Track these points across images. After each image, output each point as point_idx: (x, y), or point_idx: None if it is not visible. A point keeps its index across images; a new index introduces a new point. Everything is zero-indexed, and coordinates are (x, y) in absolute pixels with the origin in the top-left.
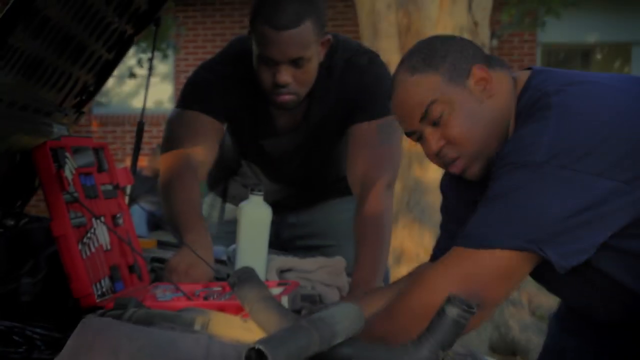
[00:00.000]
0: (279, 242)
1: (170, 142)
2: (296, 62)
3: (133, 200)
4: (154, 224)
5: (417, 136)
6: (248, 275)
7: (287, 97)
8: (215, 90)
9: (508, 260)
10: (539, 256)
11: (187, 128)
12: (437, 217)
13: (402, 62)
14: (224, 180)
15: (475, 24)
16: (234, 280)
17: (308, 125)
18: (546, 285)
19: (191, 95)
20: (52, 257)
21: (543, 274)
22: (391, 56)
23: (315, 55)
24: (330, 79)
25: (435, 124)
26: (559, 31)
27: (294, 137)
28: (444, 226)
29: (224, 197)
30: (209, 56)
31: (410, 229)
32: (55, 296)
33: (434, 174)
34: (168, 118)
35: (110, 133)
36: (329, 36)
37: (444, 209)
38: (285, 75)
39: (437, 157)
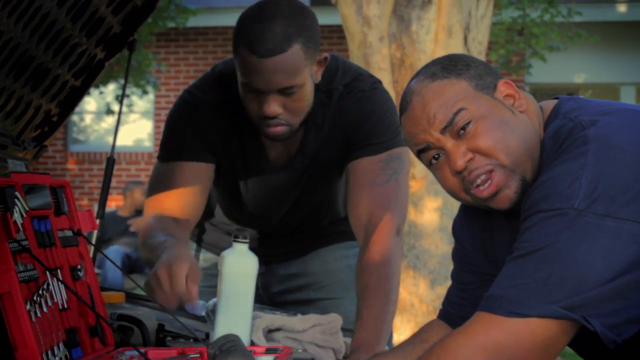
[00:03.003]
0: (268, 296)
1: (151, 203)
2: (285, 91)
3: (106, 242)
4: (130, 266)
5: (434, 153)
6: (231, 346)
7: (278, 129)
8: (194, 127)
9: (545, 330)
10: (581, 325)
11: (167, 183)
12: (433, 264)
13: (418, 74)
14: (199, 223)
15: None
16: (214, 351)
17: (304, 158)
18: None
19: (169, 144)
20: None
21: (587, 347)
22: None
23: (309, 80)
24: (329, 105)
25: (459, 135)
26: (546, 72)
27: (289, 172)
28: (455, 276)
29: (199, 243)
30: None
31: (404, 276)
32: None
33: (429, 216)
34: (152, 172)
35: (87, 171)
36: (326, 54)
37: (457, 256)
38: (274, 106)
39: (460, 177)
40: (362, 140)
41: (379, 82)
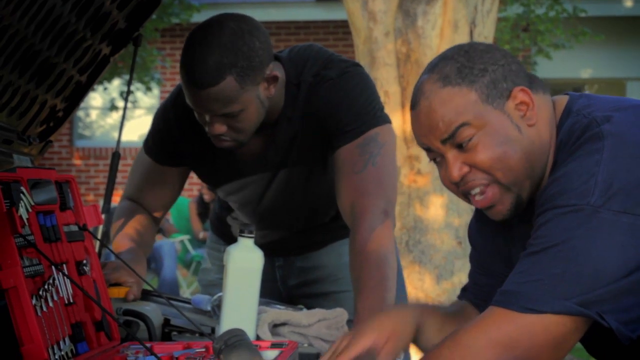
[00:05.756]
0: (286, 288)
1: (129, 184)
2: (226, 115)
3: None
4: None
5: (434, 156)
6: (237, 340)
7: (225, 144)
8: (167, 138)
9: (559, 326)
10: (594, 321)
11: (145, 171)
12: (439, 259)
13: (433, 68)
14: (223, 218)
15: None
16: (219, 345)
17: (277, 151)
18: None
19: (149, 140)
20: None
21: (600, 344)
22: (389, 86)
23: (254, 100)
24: (298, 97)
25: (460, 147)
26: (552, 67)
27: (261, 165)
28: (472, 276)
29: (223, 237)
30: None
31: (410, 271)
32: None
33: (435, 211)
34: (136, 156)
35: (92, 166)
36: (274, 71)
37: (473, 258)
38: (217, 127)
39: (456, 186)
40: (336, 130)
41: (353, 64)
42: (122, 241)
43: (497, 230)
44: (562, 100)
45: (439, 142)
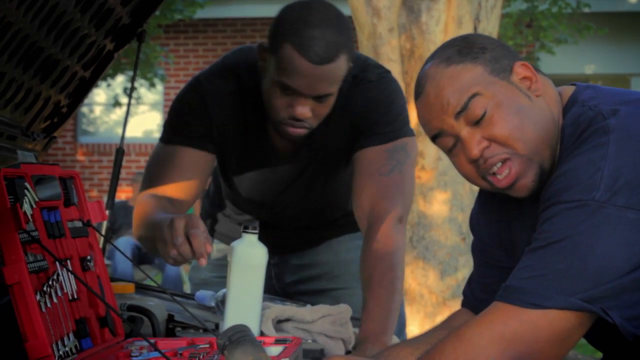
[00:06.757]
0: (281, 286)
1: (148, 182)
2: (320, 98)
3: (116, 232)
4: (140, 257)
5: (449, 140)
6: (241, 336)
7: (300, 131)
8: (200, 115)
9: (563, 322)
10: (598, 316)
11: (166, 164)
12: (443, 255)
13: (433, 57)
14: (212, 214)
15: None
16: (224, 341)
17: (310, 149)
18: (606, 353)
19: (173, 128)
20: (4, 310)
21: (603, 339)
22: None
23: (338, 87)
24: (337, 98)
25: (476, 123)
26: (556, 63)
27: (294, 163)
28: (475, 268)
29: (212, 233)
30: None
31: (414, 267)
32: (6, 358)
33: (439, 207)
34: (152, 152)
35: (96, 162)
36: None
37: (475, 248)
38: (306, 110)
39: (475, 165)
40: (368, 130)
41: (387, 71)
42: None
43: (500, 217)
44: (569, 89)
45: (453, 118)
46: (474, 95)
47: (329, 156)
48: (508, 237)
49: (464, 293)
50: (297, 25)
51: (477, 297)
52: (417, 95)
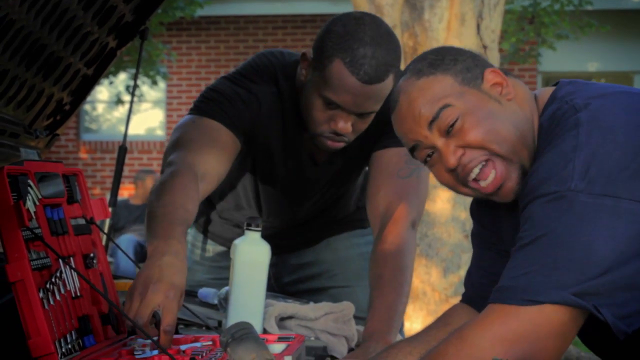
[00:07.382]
0: (280, 286)
1: (177, 145)
2: (364, 115)
3: (119, 230)
4: (142, 255)
5: (426, 151)
6: (244, 333)
7: (339, 145)
8: (241, 104)
9: (560, 315)
10: (590, 314)
11: (200, 133)
12: (445, 252)
13: (405, 72)
14: (206, 213)
15: (485, 47)
16: (226, 338)
17: (344, 155)
18: (599, 353)
19: (213, 104)
20: (6, 307)
21: (596, 337)
22: None
23: None
24: None
25: (448, 133)
26: (558, 60)
27: (326, 168)
28: (474, 256)
29: (205, 233)
30: (203, 82)
31: (417, 264)
32: (9, 356)
33: (442, 205)
34: (178, 123)
35: (99, 160)
36: None
37: (475, 235)
38: (348, 126)
39: (454, 174)
40: (391, 130)
41: None
42: (163, 213)
43: (493, 217)
44: (550, 89)
45: (426, 129)
46: (445, 107)
47: (355, 159)
48: (507, 230)
49: (465, 284)
50: (348, 41)
51: (476, 283)
52: (392, 109)
